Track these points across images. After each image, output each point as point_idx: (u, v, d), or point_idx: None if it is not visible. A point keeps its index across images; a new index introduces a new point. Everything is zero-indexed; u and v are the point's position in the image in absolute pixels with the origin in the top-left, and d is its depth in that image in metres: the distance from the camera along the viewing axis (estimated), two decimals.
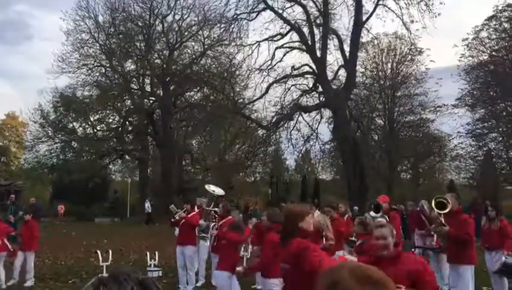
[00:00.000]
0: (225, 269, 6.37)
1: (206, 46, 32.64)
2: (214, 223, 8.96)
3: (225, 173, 32.53)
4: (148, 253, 11.02)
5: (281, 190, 42.68)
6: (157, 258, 10.86)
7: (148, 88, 35.59)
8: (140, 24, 33.00)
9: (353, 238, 6.72)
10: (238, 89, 32.17)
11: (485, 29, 30.89)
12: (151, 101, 35.60)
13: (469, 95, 33.00)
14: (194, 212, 9.20)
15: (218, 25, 30.77)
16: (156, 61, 34.12)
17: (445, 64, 62.92)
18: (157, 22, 33.36)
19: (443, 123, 34.38)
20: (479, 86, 32.75)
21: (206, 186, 8.78)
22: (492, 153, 33.90)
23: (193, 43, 34.20)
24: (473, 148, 34.47)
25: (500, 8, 28.50)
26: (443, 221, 5.87)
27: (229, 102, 30.24)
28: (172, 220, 9.39)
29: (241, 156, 33.29)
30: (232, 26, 29.34)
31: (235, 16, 29.24)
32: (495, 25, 30.35)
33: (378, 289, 1.10)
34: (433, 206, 6.24)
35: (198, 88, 34.92)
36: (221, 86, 31.65)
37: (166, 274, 10.62)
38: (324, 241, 7.01)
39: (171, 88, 33.99)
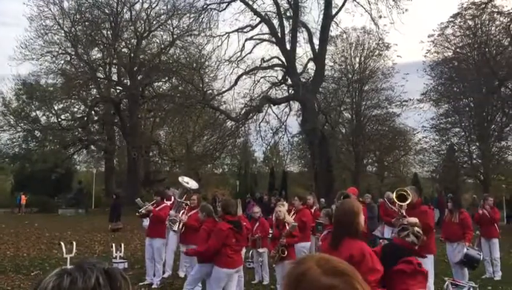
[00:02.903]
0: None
1: (175, 36, 32.26)
2: (182, 212, 8.88)
3: (193, 165, 32.40)
4: (113, 245, 10.89)
5: (249, 181, 42.81)
6: (122, 250, 10.75)
7: (115, 77, 34.97)
8: (107, 11, 32.30)
9: (319, 227, 6.84)
10: (207, 80, 32.03)
11: (450, 26, 31.64)
12: (118, 91, 35.01)
13: (434, 90, 33.82)
14: (164, 204, 9.15)
15: (188, 14, 30.50)
16: (123, 50, 33.53)
17: (412, 59, 64.29)
18: (124, 10, 32.77)
19: (408, 117, 35.29)
20: (443, 82, 33.58)
21: (180, 179, 8.68)
22: (455, 147, 34.91)
23: (162, 33, 33.80)
24: (436, 143, 35.39)
25: (464, 5, 29.23)
26: (404, 213, 6.04)
27: (198, 93, 30.05)
28: (137, 214, 9.31)
29: (210, 147, 33.19)
30: (202, 16, 29.13)
31: (204, 6, 29.04)
32: (460, 22, 31.10)
33: (345, 279, 1.11)
34: (395, 199, 6.40)
35: (167, 78, 34.57)
36: (190, 76, 31.39)
37: (133, 266, 10.54)
38: (287, 227, 7.20)
39: (139, 78, 33.49)
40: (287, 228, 7.17)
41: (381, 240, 9.95)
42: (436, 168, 36.26)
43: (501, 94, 29.83)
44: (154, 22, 33.11)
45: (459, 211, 8.87)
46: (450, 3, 70.44)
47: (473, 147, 33.99)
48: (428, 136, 35.12)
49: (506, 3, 28.31)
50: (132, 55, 32.49)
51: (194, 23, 29.84)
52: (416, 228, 3.91)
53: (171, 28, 32.40)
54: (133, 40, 33.49)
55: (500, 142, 32.20)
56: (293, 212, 9.20)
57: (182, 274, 9.59)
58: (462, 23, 31.08)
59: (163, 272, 9.35)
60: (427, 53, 33.46)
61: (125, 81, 34.28)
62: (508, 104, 29.21)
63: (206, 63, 31.78)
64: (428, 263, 6.62)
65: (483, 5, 28.28)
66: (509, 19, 27.86)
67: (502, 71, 28.33)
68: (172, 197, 9.67)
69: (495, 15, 29.07)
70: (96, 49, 34.12)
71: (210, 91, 31.53)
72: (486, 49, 29.73)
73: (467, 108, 33.11)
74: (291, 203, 10.57)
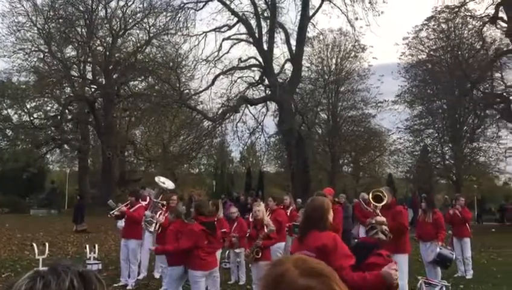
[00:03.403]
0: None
1: (151, 35, 31.92)
2: (160, 213, 8.78)
3: (169, 165, 32.15)
4: (87, 246, 10.72)
5: (225, 181, 42.73)
6: (96, 251, 10.59)
7: (89, 76, 34.39)
8: (81, 9, 31.73)
9: (296, 229, 6.88)
10: (183, 80, 31.79)
11: (424, 29, 32.21)
12: (92, 90, 34.45)
13: (408, 92, 34.38)
14: (139, 205, 9.04)
15: (164, 13, 30.24)
16: (98, 48, 33.00)
17: (387, 61, 65.23)
18: (100, 8, 32.22)
19: (383, 119, 35.63)
20: (417, 84, 34.17)
21: (156, 179, 8.58)
22: (428, 148, 35.57)
23: (138, 31, 33.37)
24: (410, 144, 35.99)
25: (438, 9, 29.80)
26: (379, 213, 6.12)
27: (175, 92, 29.85)
28: (109, 215, 9.19)
29: (186, 147, 32.98)
30: (179, 15, 28.95)
31: (181, 5, 28.88)
32: (433, 25, 31.69)
33: (322, 280, 1.11)
34: (370, 199, 6.48)
35: (143, 77, 34.18)
36: (166, 76, 31.12)
37: (107, 267, 10.40)
38: (266, 229, 7.18)
39: (114, 76, 33.01)
40: (265, 229, 7.15)
41: (356, 240, 10.07)
42: (410, 169, 36.87)
43: (473, 96, 30.52)
44: (130, 20, 32.70)
45: (433, 211, 9.04)
46: (425, 6, 71.78)
47: (446, 148, 34.70)
48: (402, 137, 35.73)
49: (479, 8, 28.93)
50: (107, 53, 32.02)
51: (171, 22, 29.66)
52: (383, 227, 4.11)
53: (148, 26, 32.06)
54: (108, 38, 33.00)
55: (472, 144, 32.95)
56: (268, 212, 9.20)
57: (157, 275, 9.51)
58: (435, 27, 31.69)
59: (138, 273, 9.26)
60: (401, 55, 34.04)
61: (100, 79, 33.77)
62: (479, 107, 29.90)
63: (183, 62, 31.60)
64: (402, 262, 6.72)
65: (457, 9, 28.87)
66: (481, 23, 28.51)
67: (474, 74, 28.99)
68: (148, 198, 9.57)
69: (468, 19, 29.72)
70: (71, 46, 33.50)
71: (187, 91, 31.36)
72: (459, 52, 30.38)
73: (440, 110, 33.78)
74: (267, 203, 10.59)
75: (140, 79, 34.71)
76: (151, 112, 29.38)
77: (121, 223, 9.48)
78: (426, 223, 8.91)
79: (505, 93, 29.56)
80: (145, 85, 34.80)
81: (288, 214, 10.43)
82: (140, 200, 9.42)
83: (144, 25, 32.26)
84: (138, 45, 32.74)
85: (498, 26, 28.21)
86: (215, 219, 8.08)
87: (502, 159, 33.34)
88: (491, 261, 12.50)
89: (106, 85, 32.19)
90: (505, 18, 26.93)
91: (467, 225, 10.49)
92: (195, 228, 6.12)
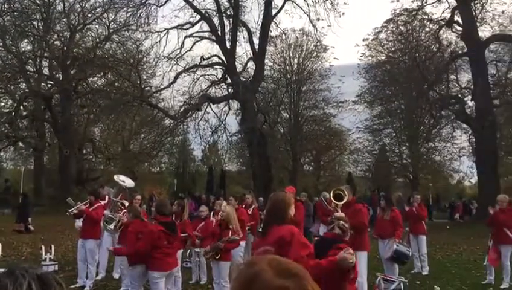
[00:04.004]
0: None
1: (111, 30, 31.21)
2: (120, 213, 8.62)
3: (129, 163, 31.61)
4: (43, 246, 10.40)
5: (187, 180, 42.43)
6: (53, 251, 10.28)
7: (46, 71, 33.33)
8: (38, 2, 30.68)
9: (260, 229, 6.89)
10: (145, 77, 31.28)
11: (383, 31, 32.93)
12: (49, 85, 33.41)
13: (368, 92, 35.12)
14: (98, 204, 8.85)
15: (125, 8, 29.60)
16: (55, 42, 31.99)
17: (348, 62, 66.30)
18: (57, 1, 31.24)
19: (344, 118, 36.23)
20: (376, 85, 34.96)
21: (115, 177, 8.40)
22: (387, 147, 36.51)
23: (97, 26, 32.53)
24: (369, 143, 36.86)
25: (397, 12, 30.52)
26: (340, 211, 6.22)
27: (135, 90, 29.33)
28: (68, 214, 8.96)
29: (147, 145, 32.50)
30: (140, 11, 28.42)
31: (143, 1, 28.35)
32: (392, 27, 32.43)
33: (297, 280, 1.13)
34: (331, 198, 6.57)
35: (102, 74, 33.39)
36: (127, 72, 30.52)
37: (63, 268, 10.13)
38: (230, 234, 7.13)
39: (72, 72, 32.12)
40: (229, 234, 7.10)
41: (316, 238, 10.19)
42: (369, 168, 37.76)
43: (429, 98, 31.47)
44: (89, 15, 31.86)
45: (391, 208, 9.27)
46: (384, 9, 73.51)
47: (403, 148, 35.72)
48: (362, 137, 36.54)
49: (436, 11, 29.85)
50: (65, 48, 31.09)
51: (132, 18, 29.08)
52: (341, 222, 4.24)
53: (107, 21, 31.31)
54: (66, 33, 32.04)
55: (428, 143, 34.06)
56: None
57: (116, 275, 9.34)
58: (394, 29, 32.46)
59: (97, 274, 9.08)
60: (362, 56, 34.73)
61: (57, 75, 32.77)
62: (435, 107, 30.87)
63: (144, 59, 31.09)
64: (362, 260, 6.85)
65: (415, 12, 29.67)
66: (438, 26, 29.44)
67: (431, 76, 29.87)
68: (107, 197, 9.37)
69: (425, 22, 30.60)
70: (26, 41, 32.31)
71: (148, 88, 30.86)
72: (417, 54, 31.25)
73: (398, 110, 34.70)
74: (228, 202, 10.58)
75: (99, 75, 33.91)
76: (110, 109, 28.74)
77: (79, 223, 9.25)
78: (384, 221, 9.13)
79: (459, 95, 30.66)
80: (105, 82, 34.01)
81: (250, 212, 10.47)
82: (99, 199, 9.22)
83: (104, 20, 31.51)
84: (97, 40, 31.96)
85: (454, 29, 29.24)
86: (180, 220, 8.00)
87: (456, 159, 34.67)
88: (446, 258, 12.94)
89: (63, 81, 31.26)
90: (460, 22, 27.93)
91: (423, 222, 10.82)
92: (154, 228, 6.03)
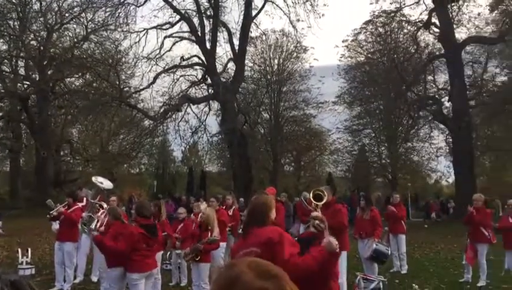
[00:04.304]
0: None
1: (89, 30, 30.80)
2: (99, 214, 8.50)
3: (108, 164, 31.24)
4: (19, 249, 10.20)
5: (167, 181, 42.12)
6: (29, 255, 10.09)
7: (22, 71, 32.72)
8: (14, 1, 30.10)
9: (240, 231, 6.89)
10: (123, 77, 30.93)
11: (362, 33, 33.25)
12: (25, 86, 32.81)
13: (347, 93, 35.41)
14: (76, 206, 8.73)
15: (103, 8, 29.25)
16: (31, 42, 31.43)
17: (328, 63, 66.75)
18: (34, 0, 30.72)
19: (324, 119, 36.42)
20: (356, 85, 35.28)
21: (93, 179, 8.28)
22: (366, 147, 36.87)
23: (75, 26, 32.04)
24: (349, 143, 37.15)
25: (376, 13, 30.85)
26: (320, 211, 6.23)
27: (114, 90, 29.01)
28: (48, 216, 8.81)
29: (126, 146, 32.15)
30: (119, 11, 28.12)
31: (121, 1, 28.08)
32: (371, 29, 32.78)
33: (276, 281, 1.14)
34: (311, 198, 6.58)
35: (80, 74, 32.91)
36: (105, 73, 30.13)
37: (40, 271, 9.96)
38: (209, 235, 7.10)
39: (49, 72, 31.59)
40: (209, 235, 7.07)
41: (296, 238, 10.20)
42: (349, 168, 38.05)
43: (407, 98, 31.90)
44: (67, 15, 31.36)
45: (370, 208, 9.36)
46: (363, 10, 74.26)
47: (382, 148, 36.11)
48: (342, 137, 36.82)
49: (413, 13, 30.19)
50: (42, 48, 30.57)
51: (110, 18, 28.75)
52: (316, 221, 4.23)
53: (85, 21, 30.86)
54: (42, 33, 31.48)
55: (407, 144, 34.48)
56: None
57: (94, 279, 9.22)
58: (373, 30, 32.81)
59: (75, 277, 8.94)
60: (341, 57, 35.00)
61: (33, 75, 32.18)
62: (413, 108, 31.29)
63: (123, 59, 30.75)
64: (342, 259, 6.89)
65: (393, 14, 30.04)
66: (415, 28, 29.86)
67: (409, 77, 30.29)
68: (85, 199, 9.25)
69: (403, 23, 31.00)
70: (2, 40, 31.62)
71: (127, 89, 30.54)
72: (395, 56, 31.64)
73: (377, 111, 35.08)
74: (209, 203, 10.54)
75: (77, 76, 33.41)
76: (89, 110, 28.36)
77: (56, 226, 9.10)
78: (364, 221, 9.21)
79: (437, 96, 31.15)
80: (83, 82, 33.53)
81: (231, 213, 10.45)
82: (77, 201, 9.09)
83: (82, 19, 31.05)
84: (75, 40, 31.49)
85: (431, 31, 29.69)
86: (158, 221, 7.92)
87: (433, 159, 35.20)
88: (424, 256, 13.12)
89: (40, 81, 30.71)
90: (438, 24, 28.39)
91: (402, 221, 10.95)
92: (135, 230, 5.97)
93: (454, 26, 28.38)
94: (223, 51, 30.61)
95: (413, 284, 8.43)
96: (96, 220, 7.61)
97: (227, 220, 9.25)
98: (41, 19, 31.16)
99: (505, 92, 27.29)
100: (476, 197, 9.59)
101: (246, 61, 31.43)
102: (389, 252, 8.94)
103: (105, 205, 8.16)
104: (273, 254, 3.29)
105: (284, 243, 3.49)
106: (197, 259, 6.98)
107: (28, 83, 32.42)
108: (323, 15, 28.82)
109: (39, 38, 31.28)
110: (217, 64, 29.29)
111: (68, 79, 33.38)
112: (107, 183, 8.23)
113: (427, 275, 10.08)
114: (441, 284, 9.12)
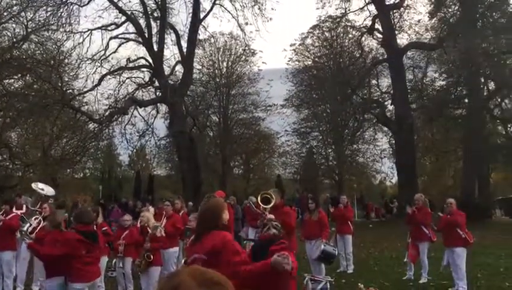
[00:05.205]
0: None
1: (29, 30, 29.52)
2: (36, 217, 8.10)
3: (50, 169, 30.02)
4: None
5: (113, 186, 41.03)
6: None
7: None
8: None
9: (188, 232, 6.86)
10: (66, 79, 29.79)
11: (309, 37, 33.88)
12: None
13: (295, 96, 35.90)
14: (13, 214, 8.31)
15: (45, 7, 28.16)
16: None
17: (276, 66, 67.44)
18: None
19: (272, 122, 36.73)
20: (303, 89, 35.82)
21: (34, 185, 7.90)
22: (314, 150, 37.49)
23: (14, 25, 30.60)
24: (297, 146, 37.66)
25: (322, 18, 31.51)
26: (267, 214, 6.27)
27: (56, 92, 27.96)
28: None
29: (69, 151, 31.03)
30: (61, 10, 27.23)
31: (64, 0, 27.15)
32: (318, 33, 33.45)
33: (218, 289, 1.14)
34: (259, 202, 6.60)
35: (20, 75, 31.47)
36: (47, 74, 28.98)
37: None
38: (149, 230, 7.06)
39: None
40: (149, 230, 7.01)
41: (245, 241, 10.23)
42: (297, 170, 38.55)
43: (353, 101, 32.73)
44: (5, 13, 29.88)
45: (318, 210, 9.50)
46: (310, 15, 75.60)
47: (329, 150, 36.85)
48: (290, 140, 37.27)
49: (358, 19, 31.26)
50: None
51: (52, 18, 27.74)
52: (274, 222, 4.33)
53: (25, 20, 29.51)
54: None
55: (352, 146, 35.40)
56: (163, 217, 9.02)
57: (35, 289, 8.81)
58: (320, 35, 33.50)
59: (14, 288, 8.52)
60: (289, 61, 35.48)
61: None
62: (358, 111, 32.16)
63: (66, 60, 29.63)
64: None
65: (338, 19, 30.80)
66: (360, 33, 30.74)
67: (354, 80, 31.11)
68: (25, 206, 8.83)
69: (348, 29, 31.88)
70: None
71: (70, 91, 29.52)
72: (341, 60, 32.43)
73: (324, 114, 35.77)
74: (158, 207, 10.36)
75: (16, 77, 31.87)
76: (29, 112, 27.18)
77: None
78: (312, 222, 9.33)
79: (380, 99, 32.20)
80: (22, 84, 32.07)
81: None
82: (15, 208, 8.66)
83: (21, 19, 29.64)
84: (14, 40, 30.09)
85: (375, 36, 30.71)
86: (95, 226, 7.67)
87: (378, 160, 36.33)
88: (369, 256, 13.47)
89: None
90: (381, 29, 29.36)
91: (349, 222, 11.19)
92: (72, 236, 5.74)
93: (396, 32, 29.48)
94: (171, 53, 30.29)
95: (359, 284, 8.60)
96: (28, 224, 7.22)
97: (182, 226, 9.11)
98: None
99: (443, 96, 28.56)
100: (417, 197, 9.95)
101: (194, 64, 31.23)
102: (336, 252, 9.12)
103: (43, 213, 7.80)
104: (216, 262, 3.27)
105: (226, 251, 3.47)
106: (150, 260, 6.86)
107: None
108: (271, 19, 29.11)
109: None
110: (164, 66, 28.92)
111: (7, 80, 31.79)
112: (48, 190, 7.90)
113: (372, 274, 10.34)
114: (385, 282, 9.38)
